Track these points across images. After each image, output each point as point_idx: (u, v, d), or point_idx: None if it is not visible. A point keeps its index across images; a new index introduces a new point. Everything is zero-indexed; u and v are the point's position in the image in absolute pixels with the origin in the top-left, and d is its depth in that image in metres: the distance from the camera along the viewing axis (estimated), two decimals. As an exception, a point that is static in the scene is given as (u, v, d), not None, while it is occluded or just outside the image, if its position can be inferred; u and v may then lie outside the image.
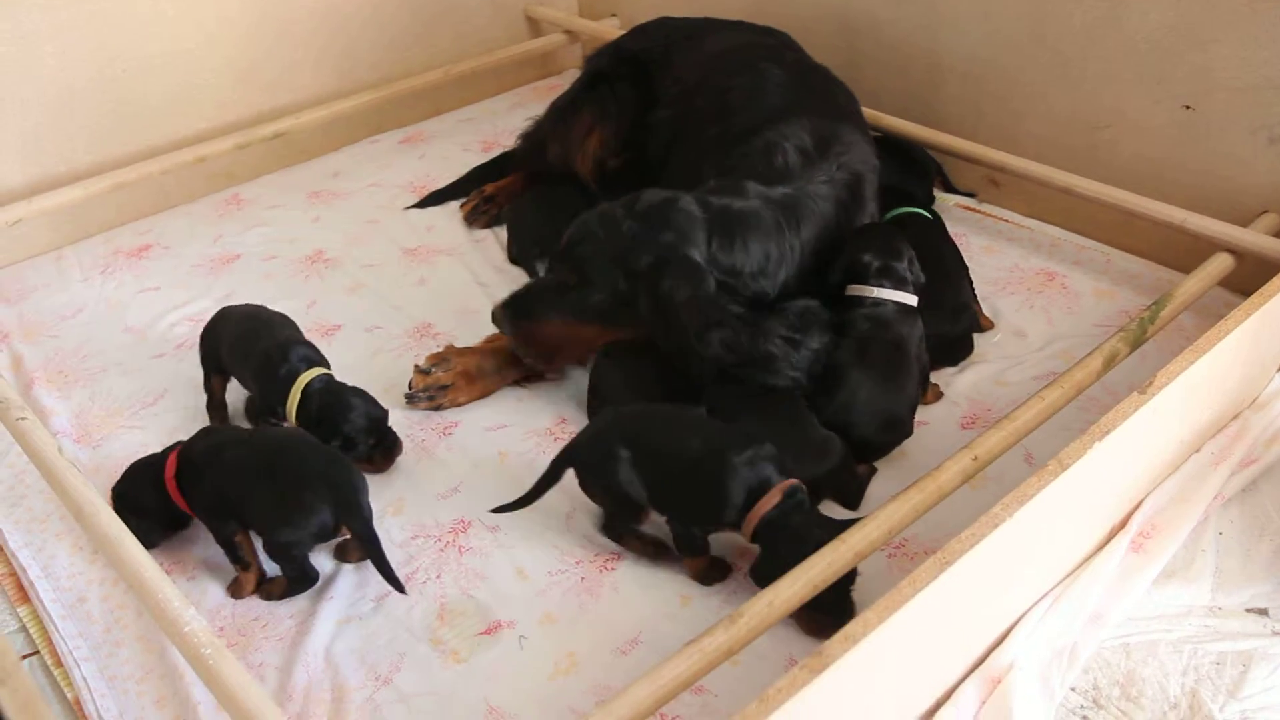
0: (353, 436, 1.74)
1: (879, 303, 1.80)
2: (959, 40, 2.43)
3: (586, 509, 1.72)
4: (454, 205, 2.62)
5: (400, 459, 1.83)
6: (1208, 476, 1.71)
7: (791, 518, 1.48)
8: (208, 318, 2.22)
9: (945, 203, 2.47)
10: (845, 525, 1.46)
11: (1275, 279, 1.71)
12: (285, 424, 1.81)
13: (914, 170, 2.34)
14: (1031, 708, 1.39)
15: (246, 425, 1.92)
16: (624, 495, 1.58)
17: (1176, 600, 1.58)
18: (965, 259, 2.16)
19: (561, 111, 2.48)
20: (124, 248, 2.52)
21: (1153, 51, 2.12)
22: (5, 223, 2.34)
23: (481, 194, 2.58)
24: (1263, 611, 1.56)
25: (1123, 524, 1.63)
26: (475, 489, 1.79)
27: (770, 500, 1.48)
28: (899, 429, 1.78)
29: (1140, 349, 1.82)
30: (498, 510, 1.68)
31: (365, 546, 1.57)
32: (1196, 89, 2.08)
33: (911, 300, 1.82)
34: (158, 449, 1.79)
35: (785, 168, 1.92)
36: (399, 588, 1.57)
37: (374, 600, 1.61)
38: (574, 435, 1.67)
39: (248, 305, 1.95)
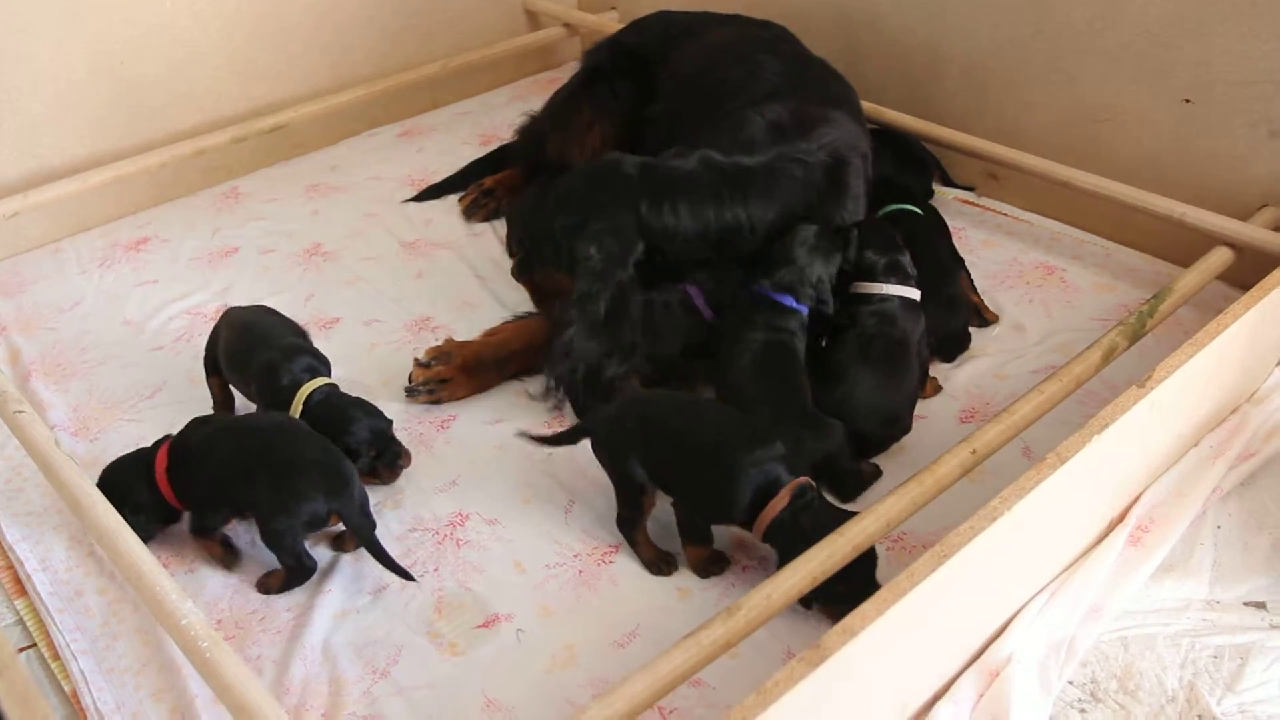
0: (354, 448, 1.70)
1: (886, 298, 1.80)
2: (959, 34, 2.42)
3: (585, 502, 1.72)
4: (452, 199, 2.62)
5: (399, 452, 1.83)
6: (1206, 470, 1.71)
7: (800, 518, 1.47)
8: (206, 311, 2.23)
9: (945, 196, 2.47)
10: (851, 517, 1.47)
11: (1274, 273, 1.71)
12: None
13: (912, 165, 2.34)
14: (1029, 701, 1.39)
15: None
16: (628, 476, 1.58)
17: (1174, 594, 1.58)
18: (965, 253, 2.16)
19: (560, 107, 2.48)
20: (122, 241, 2.52)
21: (1152, 45, 2.11)
22: (2, 215, 2.33)
23: (480, 187, 2.57)
24: (1261, 605, 1.56)
25: (1121, 518, 1.63)
26: (473, 482, 1.79)
27: (780, 502, 1.48)
28: (898, 425, 1.78)
29: (1139, 343, 1.81)
30: (522, 435, 1.73)
31: (359, 536, 1.58)
32: (1196, 83, 2.08)
33: (915, 295, 1.82)
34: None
35: (749, 140, 1.92)
36: (405, 575, 1.57)
37: (371, 593, 1.61)
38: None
39: (250, 310, 1.91)
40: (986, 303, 2.11)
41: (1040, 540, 1.46)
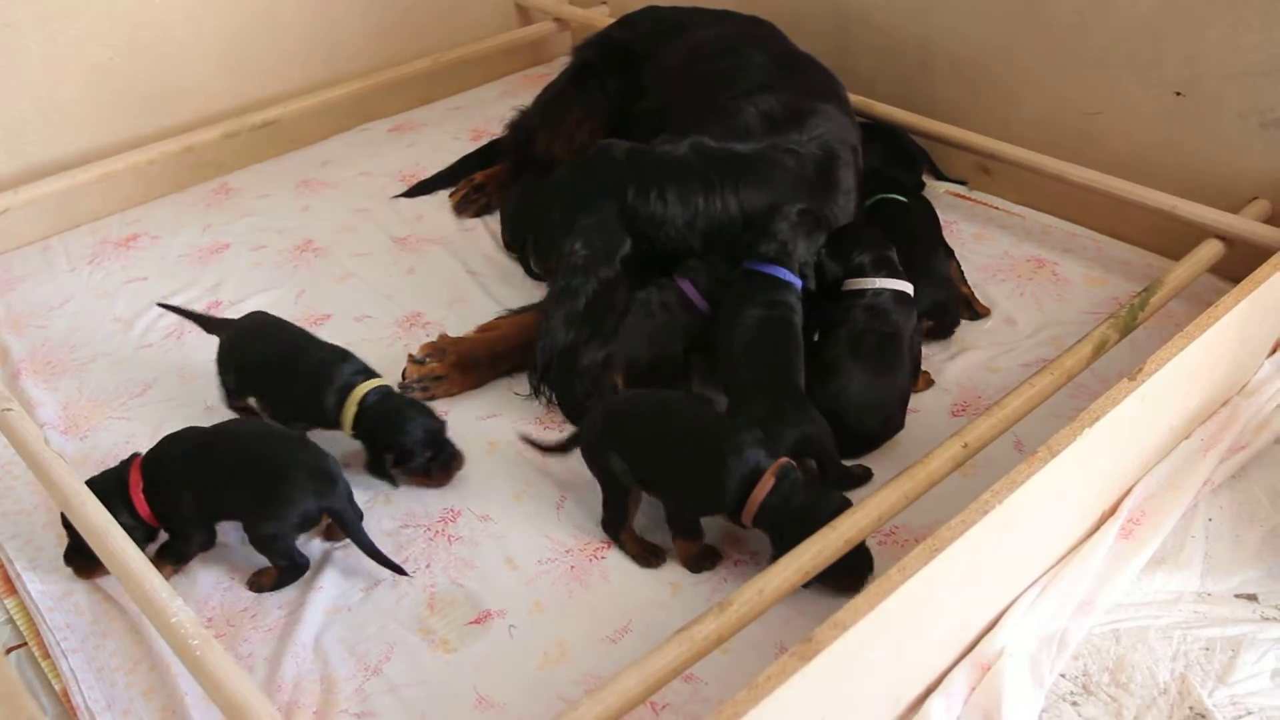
0: (409, 449, 1.69)
1: (879, 292, 1.81)
2: (950, 26, 2.42)
3: (577, 498, 1.72)
4: (444, 194, 2.61)
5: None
6: (1197, 463, 1.71)
7: (792, 500, 1.48)
8: (196, 307, 2.21)
9: (936, 190, 2.46)
10: (844, 497, 1.49)
11: (1265, 265, 1.71)
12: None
13: (901, 158, 2.34)
14: (1021, 694, 1.39)
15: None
16: (613, 478, 1.59)
17: (1166, 586, 1.58)
18: (957, 246, 2.16)
19: (549, 104, 2.48)
20: (111, 238, 2.51)
21: (1143, 37, 2.11)
22: (-9, 213, 2.33)
23: (471, 183, 2.57)
24: (1252, 597, 1.57)
25: (1112, 510, 1.63)
26: (465, 478, 1.78)
27: (765, 485, 1.48)
28: (890, 422, 1.78)
29: (1130, 336, 1.82)
30: (526, 439, 1.76)
31: (349, 532, 1.58)
32: (1187, 75, 2.08)
33: (907, 288, 1.83)
34: (146, 440, 1.78)
35: (744, 129, 1.91)
36: (396, 569, 1.58)
37: (363, 590, 1.60)
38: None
39: (264, 317, 1.87)
40: (978, 296, 2.11)
41: (1032, 533, 1.46)
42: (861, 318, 1.79)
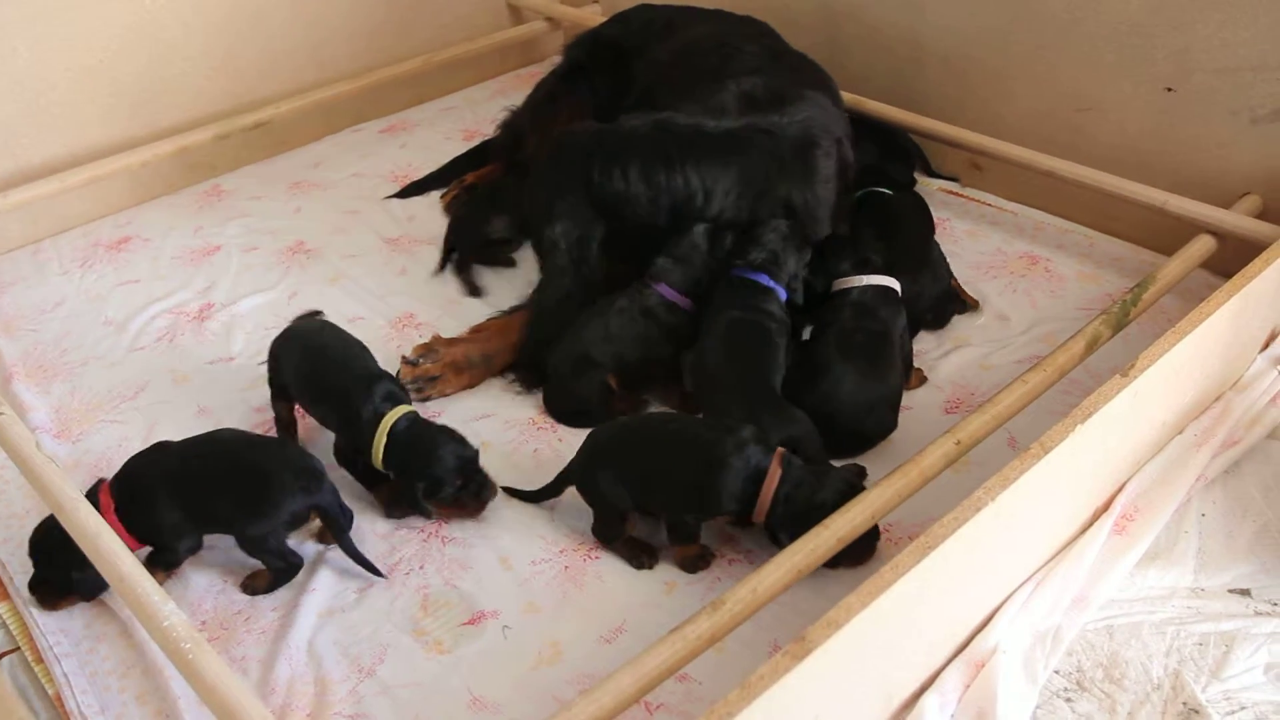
0: (440, 478, 1.63)
1: (865, 289, 1.82)
2: (940, 24, 2.42)
3: (570, 498, 1.71)
4: (436, 195, 2.60)
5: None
6: (1190, 458, 1.71)
7: (802, 486, 1.50)
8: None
9: (929, 187, 2.46)
10: (845, 475, 1.53)
11: (1257, 260, 1.71)
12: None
13: (894, 154, 2.34)
14: (1016, 691, 1.39)
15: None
16: (610, 506, 1.60)
17: (1159, 582, 1.58)
18: (950, 243, 2.17)
19: (539, 103, 2.48)
20: (103, 240, 2.50)
21: (1133, 34, 2.11)
22: (-18, 216, 2.32)
23: (462, 183, 2.56)
24: (1245, 592, 1.57)
25: (1106, 506, 1.63)
26: (459, 479, 1.78)
27: (773, 478, 1.49)
28: (883, 422, 1.78)
29: (1123, 332, 1.82)
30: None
31: (334, 529, 1.58)
32: (1177, 71, 2.08)
33: (890, 283, 1.83)
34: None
35: (719, 107, 1.91)
36: (374, 571, 1.58)
37: (356, 592, 1.60)
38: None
39: (318, 329, 1.83)
40: (970, 292, 2.11)
41: (1025, 530, 1.46)
42: (849, 316, 1.79)
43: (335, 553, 1.65)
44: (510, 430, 1.87)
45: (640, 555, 1.61)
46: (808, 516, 1.46)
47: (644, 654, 1.24)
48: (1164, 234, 2.13)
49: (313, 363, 1.75)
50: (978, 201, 2.44)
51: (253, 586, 1.61)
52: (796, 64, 2.19)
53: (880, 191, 2.15)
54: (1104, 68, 2.19)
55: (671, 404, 1.89)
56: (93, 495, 1.55)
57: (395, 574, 1.62)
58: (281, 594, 1.60)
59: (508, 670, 1.48)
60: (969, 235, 2.33)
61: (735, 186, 1.84)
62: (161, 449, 1.62)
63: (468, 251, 2.27)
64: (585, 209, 1.82)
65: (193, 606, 1.59)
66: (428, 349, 1.97)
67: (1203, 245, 1.97)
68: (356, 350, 1.78)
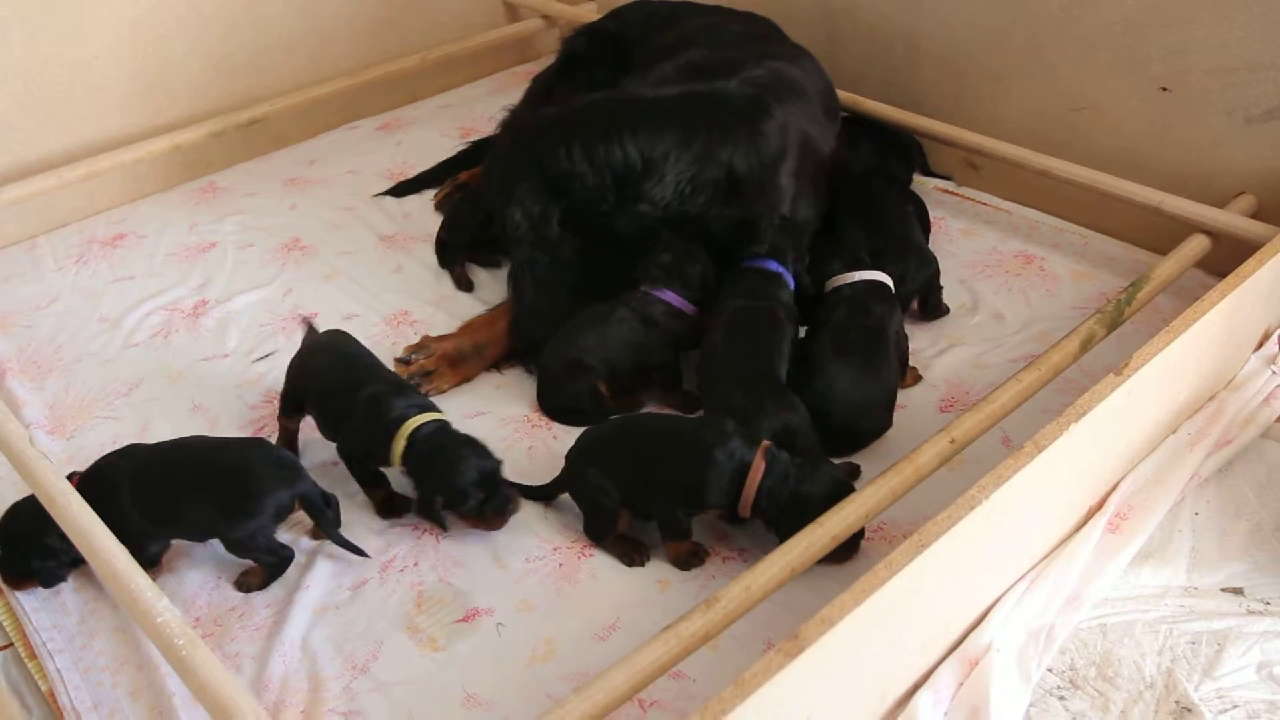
0: (461, 490, 1.59)
1: (856, 284, 1.84)
2: (938, 23, 2.42)
3: (564, 496, 1.71)
4: (430, 192, 2.60)
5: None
6: (1184, 457, 1.72)
7: (787, 479, 1.50)
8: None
9: (925, 186, 2.47)
10: (837, 471, 1.53)
11: (1251, 260, 1.72)
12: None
13: (895, 152, 2.34)
14: (1009, 689, 1.39)
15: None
16: (599, 504, 1.60)
17: (1153, 581, 1.58)
18: (945, 242, 2.17)
19: (536, 98, 2.47)
20: (98, 237, 2.50)
21: (1129, 34, 2.12)
22: (-24, 212, 2.32)
23: (454, 182, 2.56)
24: (1238, 591, 1.57)
25: (1100, 505, 1.63)
26: (453, 476, 1.78)
27: (757, 471, 1.49)
28: (879, 420, 1.78)
29: (1117, 331, 1.82)
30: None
31: (316, 517, 1.58)
32: (1172, 71, 2.08)
33: (882, 278, 1.84)
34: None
35: (660, 79, 1.91)
36: (357, 551, 1.59)
37: (350, 589, 1.60)
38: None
39: (339, 338, 1.81)
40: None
41: (1019, 529, 1.47)
42: (843, 314, 1.79)
43: (329, 549, 1.65)
44: (505, 428, 1.87)
45: (631, 553, 1.61)
46: (794, 509, 1.46)
47: (638, 651, 1.24)
48: (1159, 233, 2.13)
49: (340, 369, 1.73)
50: (973, 200, 2.44)
51: (247, 584, 1.60)
52: (788, 58, 2.17)
53: (858, 179, 2.16)
54: (1100, 67, 2.19)
55: (669, 406, 1.89)
56: None
57: (389, 571, 1.62)
58: (275, 590, 1.60)
59: (501, 667, 1.48)
60: (964, 234, 2.33)
61: (673, 150, 1.83)
62: (130, 452, 1.62)
63: (460, 249, 2.27)
64: (541, 192, 1.83)
65: (186, 603, 1.59)
66: (419, 347, 1.97)
67: (1197, 245, 1.97)
68: (376, 366, 1.77)
